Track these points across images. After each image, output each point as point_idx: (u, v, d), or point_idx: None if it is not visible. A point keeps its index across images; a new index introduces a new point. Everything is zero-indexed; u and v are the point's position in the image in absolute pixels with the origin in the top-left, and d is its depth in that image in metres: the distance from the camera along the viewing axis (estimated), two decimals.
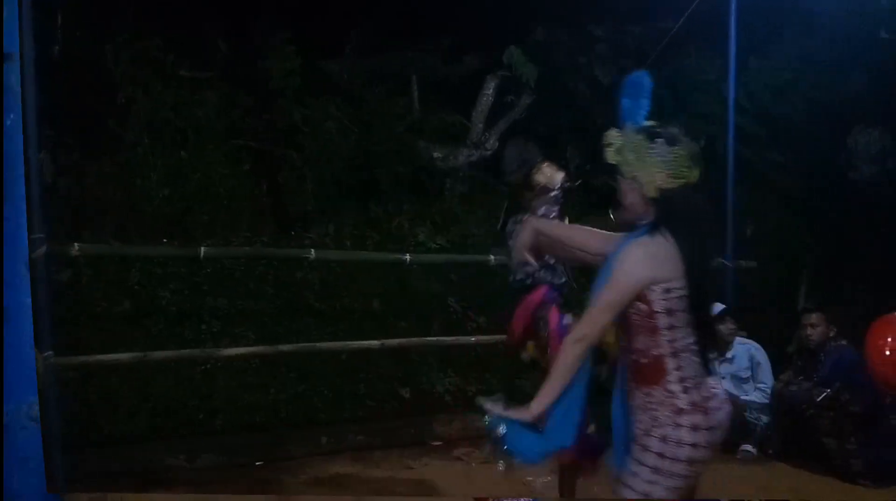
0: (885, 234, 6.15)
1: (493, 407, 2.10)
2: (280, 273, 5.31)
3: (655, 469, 1.97)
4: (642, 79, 2.13)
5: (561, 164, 6.82)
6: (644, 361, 2.02)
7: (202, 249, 4.67)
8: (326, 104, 6.25)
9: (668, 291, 1.97)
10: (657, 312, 1.98)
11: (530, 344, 3.11)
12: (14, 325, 1.19)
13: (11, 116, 1.18)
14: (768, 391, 4.88)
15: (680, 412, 1.97)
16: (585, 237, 2.26)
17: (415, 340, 5.31)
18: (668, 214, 2.02)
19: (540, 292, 3.10)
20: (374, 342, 4.99)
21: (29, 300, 1.19)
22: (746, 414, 4.79)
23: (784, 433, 4.60)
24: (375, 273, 5.57)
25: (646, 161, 2.03)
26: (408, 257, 5.20)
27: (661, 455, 1.96)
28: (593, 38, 7.09)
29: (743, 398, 4.92)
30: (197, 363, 4.91)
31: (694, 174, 2.04)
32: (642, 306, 1.98)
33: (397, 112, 6.67)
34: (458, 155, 6.82)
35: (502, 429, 2.05)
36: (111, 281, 4.83)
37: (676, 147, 2.02)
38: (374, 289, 5.57)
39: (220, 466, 4.52)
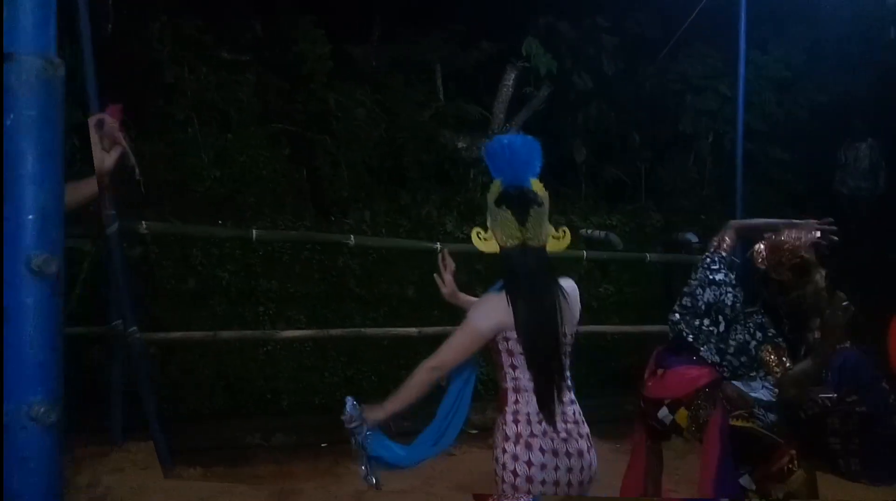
0: (886, 236, 5.85)
1: (353, 409, 2.06)
2: (323, 258, 5.17)
3: (498, 483, 2.08)
4: (514, 141, 2.09)
5: (569, 159, 6.74)
6: (500, 391, 2.14)
7: (254, 231, 4.54)
8: (355, 90, 5.95)
9: (506, 338, 2.06)
10: (500, 351, 2.09)
11: (683, 411, 2.72)
12: (14, 325, 1.06)
13: (12, 116, 1.05)
14: (775, 389, 4.64)
15: (506, 438, 2.06)
16: None
17: (450, 328, 5.12)
18: (503, 269, 2.11)
19: (710, 374, 2.70)
20: (413, 330, 4.82)
21: (30, 300, 1.05)
22: (755, 410, 4.57)
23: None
24: (409, 261, 5.37)
25: (491, 219, 2.10)
26: (438, 245, 4.99)
27: (495, 472, 2.09)
28: (602, 30, 6.76)
29: (752, 395, 4.71)
30: (258, 343, 4.81)
31: (530, 236, 2.05)
32: (491, 346, 2.10)
33: (421, 100, 6.38)
34: (480, 145, 6.50)
35: (365, 434, 2.04)
36: (176, 259, 4.76)
37: (502, 208, 2.05)
38: (410, 277, 5.37)
39: (289, 446, 4.43)
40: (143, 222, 4.09)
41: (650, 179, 7.15)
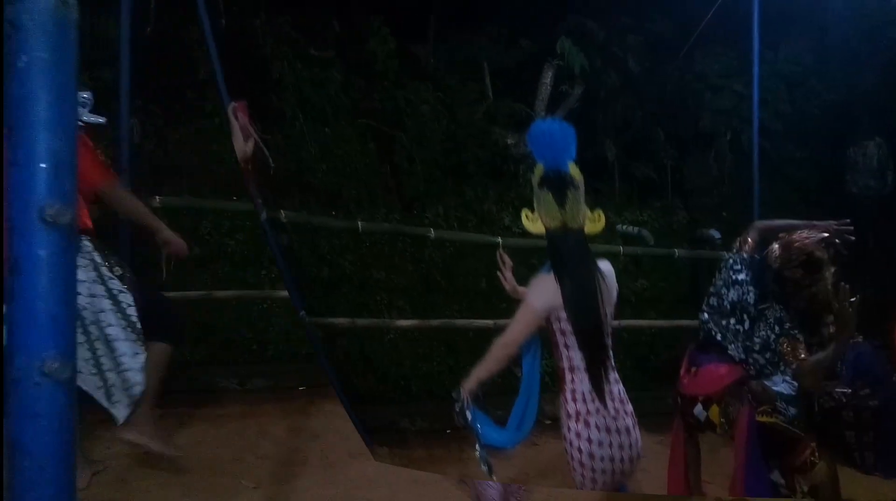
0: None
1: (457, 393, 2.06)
2: (413, 250, 5.02)
3: (569, 461, 2.05)
4: (552, 126, 2.05)
5: (601, 156, 6.55)
6: (558, 371, 2.09)
7: (360, 223, 4.40)
8: (419, 88, 5.70)
9: (558, 318, 2.02)
10: (555, 331, 2.05)
11: (715, 408, 2.63)
12: (26, 277, 0.94)
13: (24, 57, 0.92)
14: (795, 383, 4.40)
15: (568, 416, 2.03)
16: None
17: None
18: (549, 249, 2.06)
19: (736, 372, 2.62)
20: (488, 322, 4.54)
21: (43, 252, 0.93)
22: (777, 405, 4.35)
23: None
24: (480, 254, 5.10)
25: (536, 201, 2.05)
26: (500, 239, 4.69)
27: (565, 450, 2.05)
28: (627, 30, 6.47)
29: (773, 389, 4.48)
30: (384, 331, 4.67)
31: (569, 217, 1.99)
32: (547, 326, 2.06)
33: (474, 98, 6.07)
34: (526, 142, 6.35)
35: (472, 418, 2.04)
36: (311, 248, 4.69)
37: (543, 190, 2.01)
38: (481, 269, 5.10)
39: (425, 431, 4.29)
40: (283, 212, 4.00)
41: (675, 176, 6.89)
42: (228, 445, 3.32)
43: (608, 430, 1.99)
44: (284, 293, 4.47)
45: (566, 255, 2.02)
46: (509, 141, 6.18)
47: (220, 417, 3.73)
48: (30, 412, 0.92)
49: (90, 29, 4.74)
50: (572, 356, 2.04)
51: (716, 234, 6.17)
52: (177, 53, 5.08)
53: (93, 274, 2.39)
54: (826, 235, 2.46)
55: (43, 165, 0.92)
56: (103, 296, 2.40)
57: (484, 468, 2.05)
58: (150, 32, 5.07)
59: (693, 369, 2.60)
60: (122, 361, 2.41)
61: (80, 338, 2.31)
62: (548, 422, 4.60)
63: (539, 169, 2.06)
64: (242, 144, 2.21)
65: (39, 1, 0.92)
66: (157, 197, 3.97)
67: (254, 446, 3.29)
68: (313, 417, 3.73)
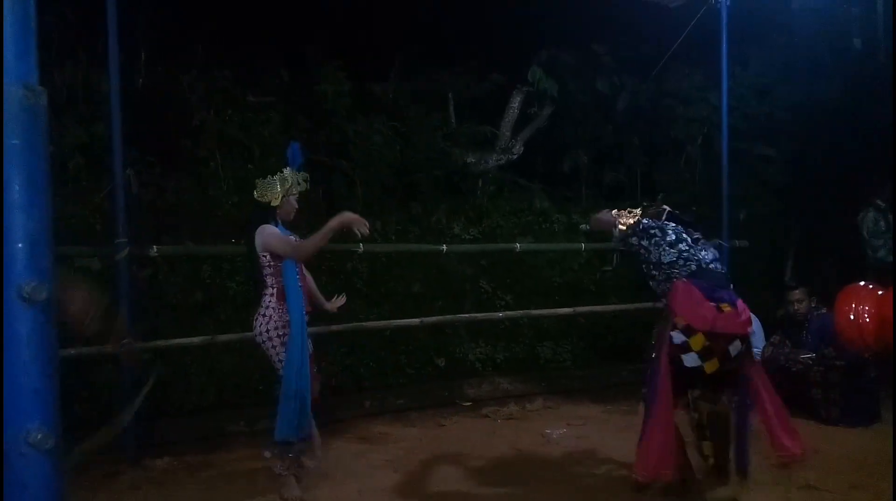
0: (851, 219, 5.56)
1: None
2: (333, 264, 5.02)
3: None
4: (296, 147, 3.29)
5: (571, 166, 6.73)
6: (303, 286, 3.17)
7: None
8: (373, 120, 5.84)
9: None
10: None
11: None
12: (8, 353, 0.94)
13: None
14: (759, 354, 4.52)
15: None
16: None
17: (449, 317, 4.99)
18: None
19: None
20: (415, 320, 4.69)
21: (22, 328, 0.93)
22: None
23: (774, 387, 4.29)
24: (417, 262, 5.29)
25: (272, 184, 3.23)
26: (444, 247, 4.86)
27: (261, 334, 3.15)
28: (598, 56, 6.71)
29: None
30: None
31: (274, 197, 3.23)
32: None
33: (435, 124, 6.27)
34: (488, 159, 6.48)
35: None
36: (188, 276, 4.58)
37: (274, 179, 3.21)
38: (416, 275, 5.28)
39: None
40: (154, 247, 3.90)
41: (646, 180, 7.05)
42: (239, 492, 3.21)
43: (277, 326, 3.06)
44: None
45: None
46: (469, 159, 6.38)
47: (230, 462, 3.64)
48: (17, 482, 0.92)
49: (83, 84, 4.71)
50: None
51: None
52: (169, 102, 5.15)
53: None
54: None
55: (19, 246, 0.92)
56: None
57: None
58: (141, 84, 5.08)
59: (727, 306, 2.52)
60: None
61: None
62: (466, 404, 4.78)
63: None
64: None
65: (8, 91, 0.93)
66: (155, 247, 3.91)
67: (265, 489, 3.17)
68: (322, 456, 3.66)
